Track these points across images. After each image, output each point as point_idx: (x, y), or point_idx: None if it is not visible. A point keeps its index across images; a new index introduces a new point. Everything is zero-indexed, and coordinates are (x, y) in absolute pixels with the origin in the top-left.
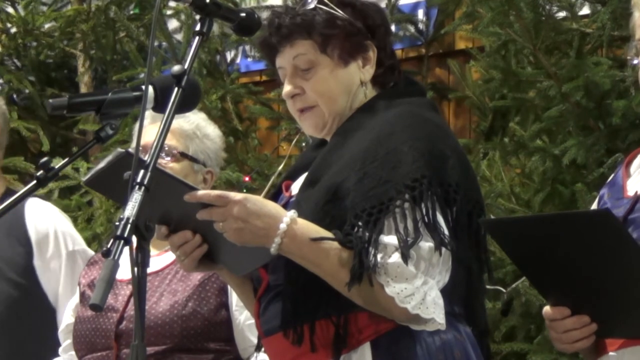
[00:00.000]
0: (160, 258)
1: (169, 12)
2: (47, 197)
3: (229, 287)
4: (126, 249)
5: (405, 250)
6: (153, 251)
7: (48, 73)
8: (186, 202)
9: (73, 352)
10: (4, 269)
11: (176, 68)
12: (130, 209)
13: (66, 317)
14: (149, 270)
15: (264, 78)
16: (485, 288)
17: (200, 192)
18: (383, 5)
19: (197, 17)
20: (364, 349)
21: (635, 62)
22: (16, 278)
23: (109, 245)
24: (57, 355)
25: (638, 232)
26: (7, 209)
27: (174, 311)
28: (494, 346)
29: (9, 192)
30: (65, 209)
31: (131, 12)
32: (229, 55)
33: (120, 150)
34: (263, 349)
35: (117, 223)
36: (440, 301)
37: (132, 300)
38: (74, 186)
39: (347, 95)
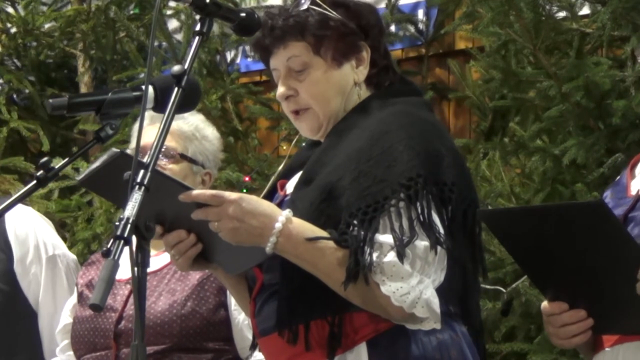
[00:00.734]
0: (159, 258)
1: (169, 12)
2: (47, 197)
3: None
4: (124, 249)
5: (400, 249)
6: (151, 251)
7: (48, 73)
8: (181, 201)
9: (71, 353)
10: None
11: (176, 68)
12: (130, 209)
13: (64, 318)
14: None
15: (264, 78)
16: (480, 287)
17: (195, 192)
18: (383, 5)
19: (197, 17)
20: (359, 349)
21: None
22: None
23: (109, 245)
24: (41, 358)
25: (638, 229)
26: (7, 208)
27: (173, 311)
28: (494, 346)
29: None
30: (65, 209)
31: (131, 12)
32: (229, 55)
33: (114, 150)
34: (258, 348)
35: (117, 223)
36: (436, 300)
37: (130, 300)
38: (74, 186)
39: (340, 96)
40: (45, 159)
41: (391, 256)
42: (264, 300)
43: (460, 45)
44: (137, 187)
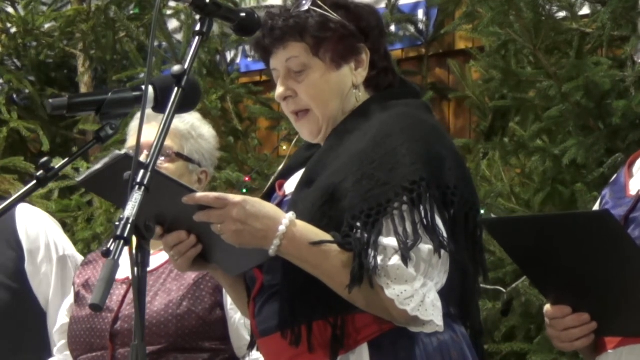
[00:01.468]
0: (155, 257)
1: (169, 12)
2: (47, 197)
3: None
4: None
5: (405, 252)
6: None
7: (48, 73)
8: (182, 203)
9: (68, 352)
10: None
11: (176, 68)
12: (130, 209)
13: (61, 317)
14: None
15: (264, 78)
16: (480, 289)
17: (199, 195)
18: (383, 5)
19: (197, 17)
20: (361, 349)
21: None
22: (7, 282)
23: (108, 245)
24: (49, 357)
25: (639, 231)
26: (7, 208)
27: (169, 310)
28: (494, 346)
29: None
30: (65, 209)
31: (131, 12)
32: (229, 55)
33: (117, 152)
34: (257, 348)
35: (117, 223)
36: (439, 303)
37: (126, 300)
38: (74, 186)
39: (339, 98)
40: (45, 159)
41: (395, 259)
42: (265, 300)
43: (460, 45)
44: (137, 187)
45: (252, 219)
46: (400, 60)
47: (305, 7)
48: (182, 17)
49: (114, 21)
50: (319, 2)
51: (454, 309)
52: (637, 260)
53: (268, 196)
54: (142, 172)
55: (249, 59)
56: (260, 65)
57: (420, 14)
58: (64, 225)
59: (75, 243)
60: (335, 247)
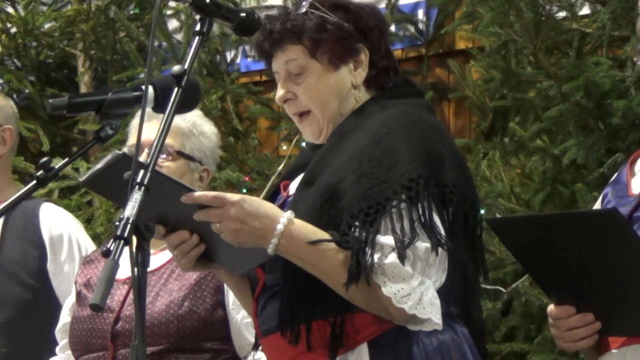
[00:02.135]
0: (156, 257)
1: (169, 12)
2: (47, 197)
3: (225, 286)
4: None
5: (402, 250)
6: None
7: (48, 73)
8: (183, 203)
9: (70, 352)
10: (17, 272)
11: (176, 68)
12: (130, 209)
13: (63, 316)
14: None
15: (264, 78)
16: (481, 288)
17: (197, 194)
18: (383, 5)
19: (197, 17)
20: (361, 349)
21: None
22: (29, 281)
23: (109, 245)
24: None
25: None
26: (7, 208)
27: (170, 311)
28: (494, 346)
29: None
30: (65, 209)
31: (131, 12)
32: (229, 55)
33: (117, 152)
34: (260, 348)
35: (117, 223)
36: (437, 301)
37: (127, 300)
38: (74, 186)
39: (338, 99)
40: (45, 159)
41: (392, 257)
42: (266, 300)
43: (460, 45)
44: (137, 187)
45: (250, 218)
46: (400, 60)
47: (304, 9)
48: (182, 17)
49: (114, 21)
50: (317, 4)
51: (454, 309)
52: None
53: (272, 197)
54: (142, 172)
55: (249, 59)
56: (260, 65)
57: (420, 14)
58: None
59: None
60: (333, 245)
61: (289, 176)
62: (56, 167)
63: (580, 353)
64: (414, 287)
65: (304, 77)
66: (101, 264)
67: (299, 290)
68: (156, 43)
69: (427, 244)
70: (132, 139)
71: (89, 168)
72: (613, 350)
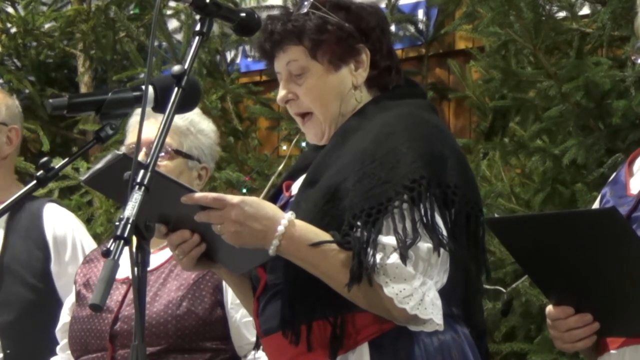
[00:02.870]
0: (155, 256)
1: (169, 12)
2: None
3: (224, 285)
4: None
5: (403, 250)
6: None
7: (48, 73)
8: (183, 203)
9: (70, 351)
10: (21, 273)
11: (176, 68)
12: (130, 209)
13: (63, 316)
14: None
15: (264, 78)
16: (483, 289)
17: (198, 195)
18: (383, 5)
19: (197, 17)
20: (362, 349)
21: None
22: (33, 281)
23: (109, 245)
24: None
25: None
26: (8, 208)
27: (168, 311)
28: (494, 346)
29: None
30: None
31: (131, 12)
32: (229, 55)
33: (117, 152)
34: (261, 347)
35: (117, 223)
36: (439, 302)
37: (126, 300)
38: (74, 186)
39: (338, 99)
40: (45, 159)
41: (394, 258)
42: (267, 299)
43: (460, 45)
44: (137, 187)
45: (250, 220)
46: (400, 60)
47: (305, 10)
48: (182, 17)
49: (114, 21)
50: (318, 4)
51: (456, 309)
52: None
53: (275, 197)
54: (142, 172)
55: (249, 59)
56: (260, 65)
57: (420, 14)
58: None
59: None
60: (334, 246)
61: (292, 176)
62: (56, 167)
63: (580, 353)
64: (416, 288)
65: (304, 78)
66: (100, 263)
67: (299, 290)
68: (156, 43)
69: (429, 245)
70: (130, 138)
71: (89, 168)
72: (612, 351)
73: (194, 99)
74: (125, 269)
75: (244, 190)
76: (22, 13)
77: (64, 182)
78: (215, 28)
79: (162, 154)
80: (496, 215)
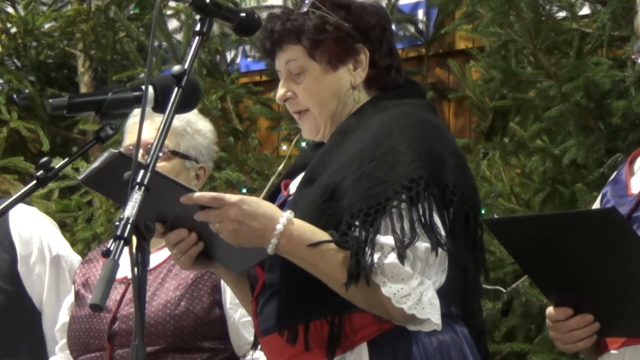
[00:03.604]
0: (154, 255)
1: (169, 12)
2: (47, 197)
3: (222, 284)
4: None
5: (401, 250)
6: None
7: (48, 73)
8: (182, 203)
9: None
10: None
11: (176, 68)
12: (130, 209)
13: (62, 316)
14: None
15: (264, 78)
16: (482, 289)
17: (196, 194)
18: (383, 5)
19: (197, 17)
20: (360, 349)
21: None
22: (1, 284)
23: (108, 245)
24: (45, 357)
25: None
26: (8, 208)
27: (167, 311)
28: (494, 346)
29: None
30: (65, 209)
31: (131, 12)
32: (229, 55)
33: (112, 150)
34: (259, 347)
35: (117, 223)
36: (436, 302)
37: (124, 300)
38: (74, 186)
39: (336, 99)
40: (45, 159)
41: (392, 257)
42: (266, 299)
43: (460, 45)
44: (136, 187)
45: (249, 219)
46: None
47: (305, 9)
48: (182, 17)
49: (114, 21)
50: (318, 4)
51: (455, 309)
52: None
53: (273, 196)
54: (142, 172)
55: (249, 59)
56: (260, 65)
57: (420, 14)
58: (64, 226)
59: (75, 243)
60: (332, 245)
61: (290, 175)
62: (56, 167)
63: (580, 353)
64: (414, 288)
65: (303, 77)
66: (100, 263)
67: (297, 289)
68: (156, 43)
69: (427, 244)
70: (128, 140)
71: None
72: (612, 351)
73: (194, 99)
74: (123, 269)
75: (244, 190)
76: (22, 13)
77: (64, 182)
78: (215, 28)
79: (160, 154)
80: (496, 216)
